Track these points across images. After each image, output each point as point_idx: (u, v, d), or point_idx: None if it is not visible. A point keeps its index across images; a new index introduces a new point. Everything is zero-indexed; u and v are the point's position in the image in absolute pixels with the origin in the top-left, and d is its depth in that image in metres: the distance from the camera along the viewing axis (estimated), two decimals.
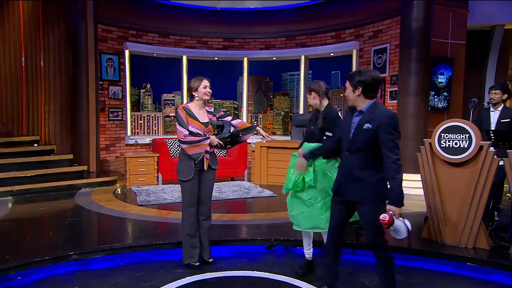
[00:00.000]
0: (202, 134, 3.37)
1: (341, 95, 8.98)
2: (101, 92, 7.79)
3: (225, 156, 7.54)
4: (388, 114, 2.54)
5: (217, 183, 7.02)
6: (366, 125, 2.53)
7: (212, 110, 3.51)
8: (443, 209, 3.81)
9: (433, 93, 6.86)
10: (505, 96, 4.27)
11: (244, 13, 8.96)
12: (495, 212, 4.40)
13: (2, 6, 7.60)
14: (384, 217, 2.47)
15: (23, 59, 7.17)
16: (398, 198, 2.50)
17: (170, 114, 9.24)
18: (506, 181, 3.72)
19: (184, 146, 3.35)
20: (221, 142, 3.43)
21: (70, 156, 6.99)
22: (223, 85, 9.99)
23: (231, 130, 3.51)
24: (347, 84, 2.63)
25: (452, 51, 7.04)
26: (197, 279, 3.24)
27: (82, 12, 7.00)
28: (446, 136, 3.73)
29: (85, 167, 6.95)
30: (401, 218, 2.52)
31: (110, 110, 8.13)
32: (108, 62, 8.05)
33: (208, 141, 3.37)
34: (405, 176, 5.63)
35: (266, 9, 8.82)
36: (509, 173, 3.53)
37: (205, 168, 3.42)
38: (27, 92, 7.30)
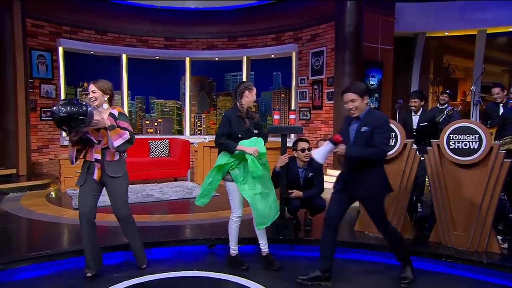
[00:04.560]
0: (94, 140, 3.13)
1: (282, 95, 9.24)
2: (31, 90, 7.32)
3: (167, 156, 7.43)
4: (381, 117, 3.05)
5: (159, 183, 6.95)
6: (364, 128, 2.99)
7: (116, 114, 3.17)
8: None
9: None
10: (423, 102, 4.86)
11: (185, 13, 8.88)
12: (418, 204, 4.83)
13: None
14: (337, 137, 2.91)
15: None
16: (351, 151, 2.94)
17: None
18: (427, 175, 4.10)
19: None
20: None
21: None
22: (166, 85, 9.85)
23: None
24: (355, 97, 2.95)
25: (382, 56, 7.54)
26: (135, 282, 3.19)
27: (7, 4, 6.52)
28: None
29: (13, 171, 6.53)
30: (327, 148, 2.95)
31: (42, 109, 7.66)
32: (40, 59, 7.58)
33: (70, 144, 3.16)
34: (333, 172, 6.03)
35: (207, 10, 8.82)
36: (429, 168, 3.90)
37: (95, 177, 3.18)
38: None
